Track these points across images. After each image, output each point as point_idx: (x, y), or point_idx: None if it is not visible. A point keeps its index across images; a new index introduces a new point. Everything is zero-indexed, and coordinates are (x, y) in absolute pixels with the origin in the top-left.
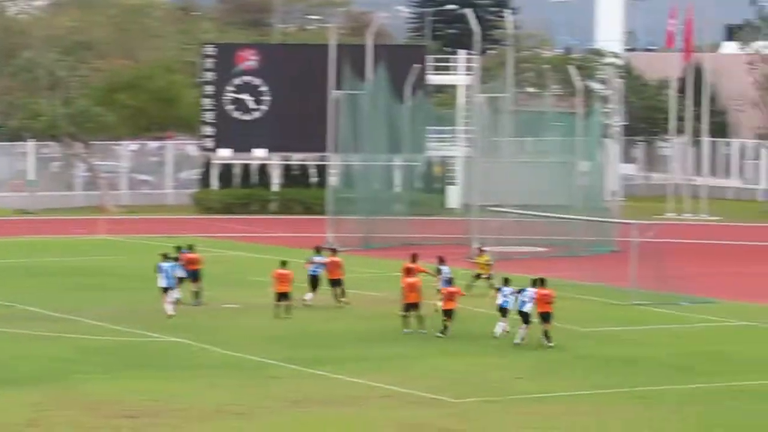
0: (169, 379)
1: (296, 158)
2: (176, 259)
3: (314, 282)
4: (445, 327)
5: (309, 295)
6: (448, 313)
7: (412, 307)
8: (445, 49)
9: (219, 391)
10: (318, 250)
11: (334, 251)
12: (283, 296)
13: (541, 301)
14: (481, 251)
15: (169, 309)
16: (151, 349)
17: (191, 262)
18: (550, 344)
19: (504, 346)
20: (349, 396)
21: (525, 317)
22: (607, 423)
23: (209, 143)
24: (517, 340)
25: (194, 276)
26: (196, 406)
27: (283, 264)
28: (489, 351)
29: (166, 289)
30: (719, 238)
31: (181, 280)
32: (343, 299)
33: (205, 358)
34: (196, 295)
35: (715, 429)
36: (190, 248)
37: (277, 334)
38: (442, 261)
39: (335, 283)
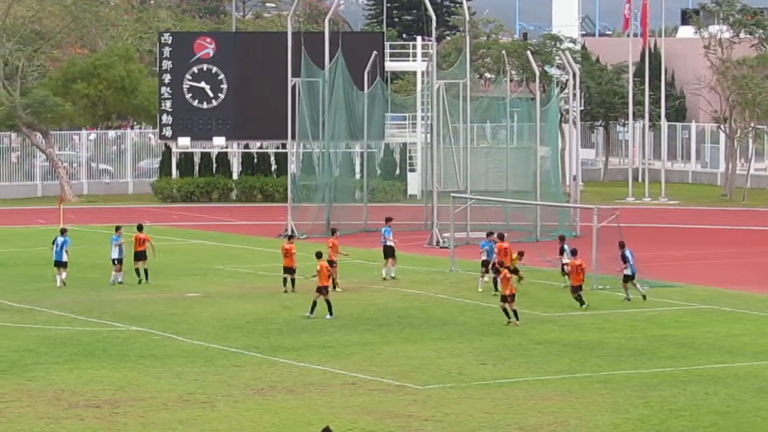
0: (132, 368)
1: (256, 146)
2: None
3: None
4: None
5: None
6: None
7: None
8: (402, 35)
9: (182, 380)
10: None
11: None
12: (288, 270)
13: (574, 271)
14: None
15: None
16: (113, 339)
17: (139, 242)
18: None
19: (467, 331)
20: (312, 383)
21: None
22: (571, 408)
23: (168, 132)
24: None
25: (141, 255)
26: (160, 395)
27: (290, 238)
28: (452, 337)
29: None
30: (679, 222)
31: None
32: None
33: (168, 347)
34: (143, 273)
35: (680, 413)
36: (140, 228)
37: (239, 323)
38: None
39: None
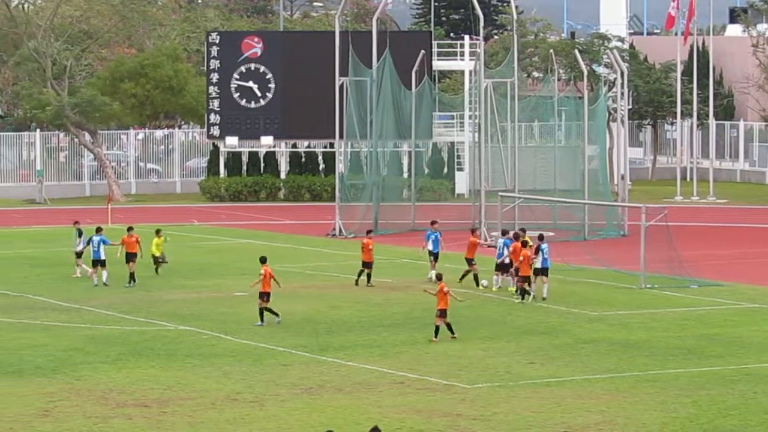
0: (180, 367)
1: (303, 145)
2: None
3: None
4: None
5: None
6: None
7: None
8: (449, 34)
9: (230, 379)
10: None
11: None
12: (366, 265)
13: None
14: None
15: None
16: (161, 338)
17: (130, 244)
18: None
19: (514, 330)
20: (361, 382)
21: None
22: (619, 407)
23: (216, 131)
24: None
25: (132, 257)
26: (208, 394)
27: (369, 232)
28: (500, 336)
29: (95, 262)
30: (727, 221)
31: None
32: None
33: (216, 346)
34: (129, 276)
35: (729, 412)
36: (130, 230)
37: (286, 322)
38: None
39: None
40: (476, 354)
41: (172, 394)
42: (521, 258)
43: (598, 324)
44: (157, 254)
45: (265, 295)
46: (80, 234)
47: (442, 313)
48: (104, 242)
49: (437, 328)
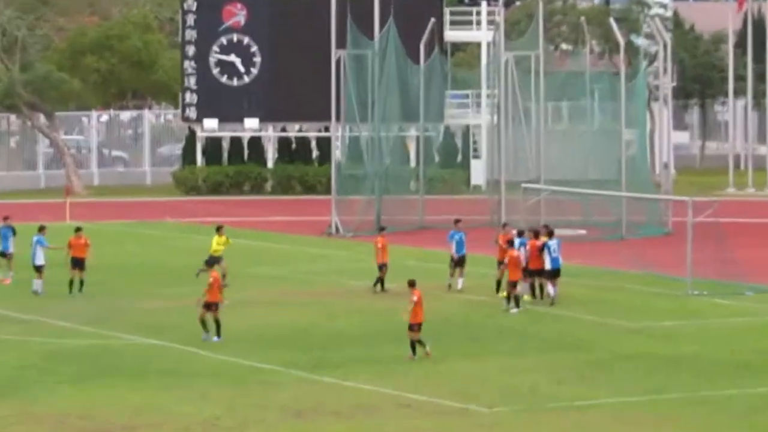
0: (150, 388)
1: (294, 129)
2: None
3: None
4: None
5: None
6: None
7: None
8: (464, 0)
9: (209, 402)
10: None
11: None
12: (382, 267)
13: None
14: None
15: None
16: (128, 354)
17: (77, 247)
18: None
19: (540, 344)
20: (361, 405)
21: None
22: None
23: (192, 113)
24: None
25: (79, 263)
26: (183, 419)
27: (382, 229)
28: (523, 350)
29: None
30: None
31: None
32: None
33: (192, 363)
34: (77, 283)
35: None
36: (78, 231)
37: (275, 335)
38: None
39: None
40: (496, 372)
41: (141, 420)
42: (506, 260)
43: (637, 337)
44: (218, 253)
45: (212, 306)
46: (14, 233)
47: (417, 328)
48: (41, 243)
49: (414, 344)
